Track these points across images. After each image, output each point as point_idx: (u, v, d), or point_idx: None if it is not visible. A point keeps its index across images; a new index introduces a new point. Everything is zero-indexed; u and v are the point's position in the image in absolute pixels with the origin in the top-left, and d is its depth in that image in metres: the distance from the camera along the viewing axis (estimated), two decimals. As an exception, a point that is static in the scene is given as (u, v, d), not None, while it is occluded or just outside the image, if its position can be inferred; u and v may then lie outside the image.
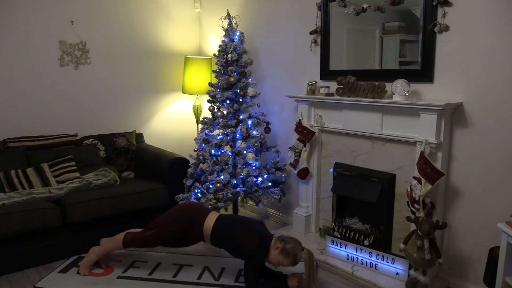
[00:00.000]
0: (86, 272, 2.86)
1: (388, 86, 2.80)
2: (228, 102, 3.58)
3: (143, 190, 3.49)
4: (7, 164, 3.29)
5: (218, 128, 3.62)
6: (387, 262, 2.80)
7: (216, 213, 2.79)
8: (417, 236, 2.47)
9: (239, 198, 3.57)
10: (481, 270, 2.39)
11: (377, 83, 2.85)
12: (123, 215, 3.37)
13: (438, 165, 2.56)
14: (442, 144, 2.58)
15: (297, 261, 2.58)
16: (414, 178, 2.59)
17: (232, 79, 3.51)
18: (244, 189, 3.48)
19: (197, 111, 4.42)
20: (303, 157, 3.38)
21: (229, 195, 3.45)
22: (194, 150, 3.68)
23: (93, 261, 2.89)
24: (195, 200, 3.43)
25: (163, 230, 2.75)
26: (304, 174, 3.40)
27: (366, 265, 2.90)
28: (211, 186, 3.41)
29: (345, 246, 3.00)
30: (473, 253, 2.61)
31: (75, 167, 3.52)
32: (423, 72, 2.71)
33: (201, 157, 3.59)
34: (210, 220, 2.71)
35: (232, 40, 3.61)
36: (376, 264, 2.85)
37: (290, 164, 3.47)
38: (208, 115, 3.81)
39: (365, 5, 2.90)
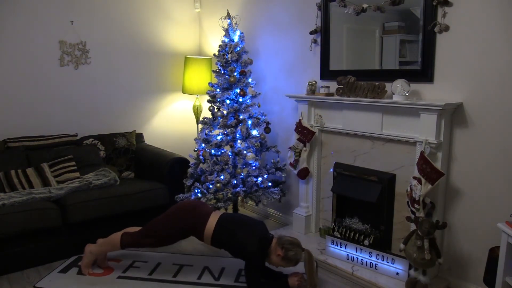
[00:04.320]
0: (90, 271, 2.87)
1: (388, 86, 2.80)
2: (228, 102, 3.58)
3: (143, 190, 3.49)
4: (7, 164, 3.29)
5: (218, 128, 3.62)
6: (387, 262, 2.80)
7: (217, 213, 2.76)
8: (417, 236, 2.47)
9: (239, 198, 3.57)
10: (481, 270, 2.39)
11: (377, 83, 2.85)
12: (123, 215, 3.37)
13: (438, 165, 2.56)
14: (442, 144, 2.58)
15: (298, 263, 2.61)
16: (414, 178, 2.59)
17: (232, 79, 3.51)
18: (244, 189, 3.48)
19: (197, 111, 4.42)
20: (303, 157, 3.38)
21: (229, 195, 3.45)
22: (194, 150, 3.68)
23: (92, 261, 2.89)
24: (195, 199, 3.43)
25: (164, 232, 2.72)
26: (304, 174, 3.40)
27: (366, 265, 2.90)
28: (211, 186, 3.41)
29: (345, 246, 3.00)
30: (473, 253, 2.61)
31: (75, 167, 3.51)
32: (423, 72, 2.70)
33: (201, 157, 3.59)
34: (212, 221, 2.68)
35: (232, 40, 3.61)
36: (376, 264, 2.85)
37: (290, 164, 3.47)
38: (208, 115, 3.81)
39: (365, 5, 2.90)
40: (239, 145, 3.56)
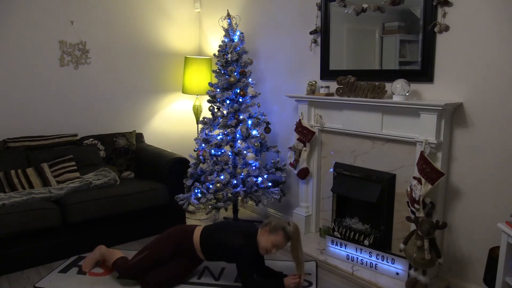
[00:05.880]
0: (89, 268, 2.90)
1: (388, 86, 2.80)
2: (228, 102, 3.58)
3: (143, 190, 3.49)
4: (7, 164, 3.29)
5: (218, 128, 3.62)
6: (387, 262, 2.80)
7: (200, 226, 2.83)
8: (417, 236, 2.47)
9: (239, 198, 3.57)
10: (481, 270, 2.39)
11: (377, 83, 2.85)
12: (123, 215, 3.37)
13: (438, 165, 2.56)
14: (442, 144, 2.58)
15: (288, 234, 2.56)
16: (414, 178, 2.59)
17: (232, 79, 3.51)
18: (244, 189, 3.48)
19: (197, 111, 4.41)
20: (303, 157, 3.38)
21: (229, 195, 3.45)
22: (194, 150, 3.68)
23: (97, 259, 2.96)
24: (193, 200, 3.43)
25: (152, 254, 2.74)
26: (304, 174, 3.40)
27: (366, 265, 2.90)
28: (211, 186, 3.41)
29: (345, 246, 3.00)
30: (473, 253, 2.61)
31: (75, 167, 3.51)
32: (423, 72, 2.70)
33: (201, 157, 3.59)
34: (196, 235, 2.74)
35: (232, 40, 3.60)
36: (376, 264, 2.85)
37: (290, 164, 3.47)
38: (208, 115, 3.81)
39: (365, 5, 2.90)
40: (239, 145, 3.56)
